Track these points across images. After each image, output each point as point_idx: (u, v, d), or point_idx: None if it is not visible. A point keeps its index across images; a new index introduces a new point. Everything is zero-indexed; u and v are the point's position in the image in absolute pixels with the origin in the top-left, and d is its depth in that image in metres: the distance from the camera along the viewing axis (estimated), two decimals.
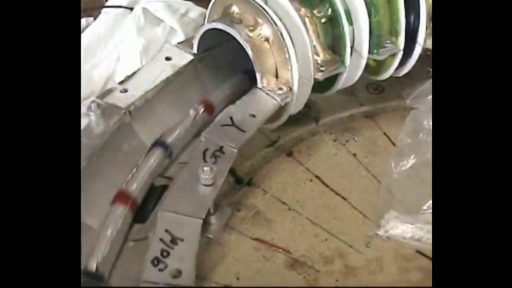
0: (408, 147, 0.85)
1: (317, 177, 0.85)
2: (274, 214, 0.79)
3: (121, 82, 0.77)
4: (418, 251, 0.75)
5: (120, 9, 1.15)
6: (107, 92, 0.75)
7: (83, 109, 0.73)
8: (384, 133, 0.93)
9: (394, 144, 0.90)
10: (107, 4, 1.18)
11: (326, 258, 0.74)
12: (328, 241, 0.76)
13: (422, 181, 0.80)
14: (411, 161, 0.83)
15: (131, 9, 1.14)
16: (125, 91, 0.75)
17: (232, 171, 0.83)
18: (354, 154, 0.89)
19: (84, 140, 0.67)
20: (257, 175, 0.85)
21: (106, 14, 1.16)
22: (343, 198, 0.82)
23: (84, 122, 0.70)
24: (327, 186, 0.84)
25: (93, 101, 0.71)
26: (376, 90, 1.01)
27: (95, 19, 1.17)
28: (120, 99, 0.74)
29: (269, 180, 0.84)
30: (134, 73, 0.79)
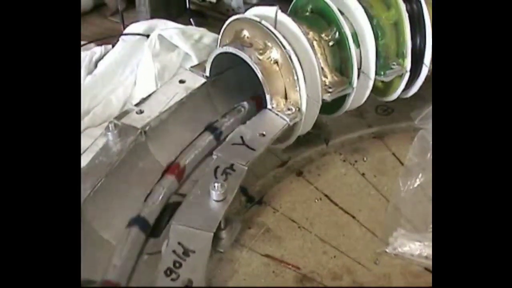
0: (416, 166, 0.87)
1: (326, 196, 0.87)
2: (284, 231, 0.81)
3: (137, 104, 0.80)
4: (426, 268, 0.76)
5: (137, 36, 1.20)
6: (124, 113, 0.78)
7: (102, 131, 0.76)
8: (393, 153, 0.95)
9: (402, 164, 0.92)
10: (125, 32, 1.22)
11: (335, 274, 0.75)
12: (337, 258, 0.77)
13: (430, 199, 0.81)
14: (419, 180, 0.85)
15: (148, 36, 1.18)
16: (141, 112, 0.78)
17: (243, 190, 0.85)
18: (363, 174, 0.91)
19: (102, 158, 0.70)
20: (267, 194, 0.87)
21: (123, 42, 1.20)
22: (352, 216, 0.84)
23: (102, 141, 0.73)
24: (336, 204, 0.86)
25: (110, 122, 0.74)
26: (385, 112, 1.03)
27: (113, 46, 1.21)
28: (136, 120, 0.77)
29: (280, 199, 0.86)
30: (150, 95, 0.82)
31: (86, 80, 1.13)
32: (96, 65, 1.19)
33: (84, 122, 1.04)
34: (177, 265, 0.60)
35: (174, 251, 0.61)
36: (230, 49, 0.79)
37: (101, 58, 1.20)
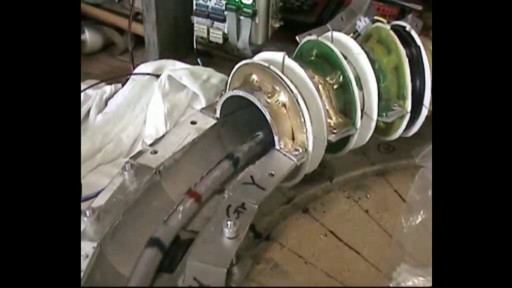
0: (417, 203, 0.90)
1: (331, 232, 0.90)
2: (291, 267, 0.84)
3: (151, 144, 0.84)
4: None
5: (147, 76, 1.24)
6: (139, 153, 0.82)
7: (116, 169, 0.79)
8: (395, 190, 0.98)
9: (404, 201, 0.95)
10: (135, 71, 1.27)
11: None
12: None
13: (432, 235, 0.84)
14: (421, 217, 0.88)
15: (157, 76, 1.22)
16: (155, 152, 0.82)
17: (251, 227, 0.88)
18: (367, 210, 0.94)
19: (119, 196, 0.74)
20: (275, 230, 0.90)
21: (133, 81, 1.24)
22: (356, 252, 0.87)
23: (119, 180, 0.76)
24: (341, 240, 0.88)
25: (127, 162, 0.78)
26: (387, 150, 1.07)
27: (123, 85, 1.25)
28: (151, 160, 0.80)
29: (286, 235, 0.89)
30: (163, 136, 0.86)
31: (97, 119, 1.17)
32: (106, 103, 1.23)
33: (96, 159, 1.08)
34: None
35: (190, 287, 0.64)
36: (241, 93, 0.83)
37: (111, 96, 1.24)
